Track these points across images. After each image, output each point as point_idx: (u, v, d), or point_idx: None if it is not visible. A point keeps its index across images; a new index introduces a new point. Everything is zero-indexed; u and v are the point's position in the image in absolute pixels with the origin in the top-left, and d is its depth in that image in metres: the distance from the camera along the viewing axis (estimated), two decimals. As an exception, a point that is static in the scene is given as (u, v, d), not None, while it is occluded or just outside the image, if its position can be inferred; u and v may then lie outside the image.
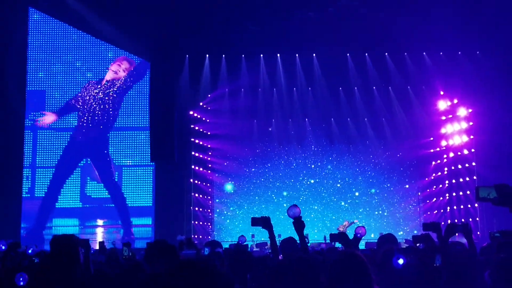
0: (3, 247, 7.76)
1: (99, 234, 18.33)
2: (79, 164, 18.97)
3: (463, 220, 18.90)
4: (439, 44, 17.38)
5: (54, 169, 18.75)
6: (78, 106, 19.06)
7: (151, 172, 19.13)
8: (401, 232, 18.91)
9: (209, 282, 1.37)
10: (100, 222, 18.87)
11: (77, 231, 18.11)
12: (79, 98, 19.12)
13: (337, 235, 4.47)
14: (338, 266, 2.58)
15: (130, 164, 19.20)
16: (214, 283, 1.38)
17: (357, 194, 20.75)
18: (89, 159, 18.99)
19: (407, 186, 20.74)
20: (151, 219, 18.98)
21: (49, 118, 18.98)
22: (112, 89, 19.22)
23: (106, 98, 19.19)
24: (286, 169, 20.92)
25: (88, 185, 19.00)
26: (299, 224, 4.06)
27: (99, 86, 19.25)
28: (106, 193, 18.94)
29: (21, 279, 3.15)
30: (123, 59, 19.43)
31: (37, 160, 18.78)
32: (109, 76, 19.33)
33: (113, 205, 18.84)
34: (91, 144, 18.86)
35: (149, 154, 18.27)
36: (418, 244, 5.53)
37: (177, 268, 1.38)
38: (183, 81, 18.28)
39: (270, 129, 20.12)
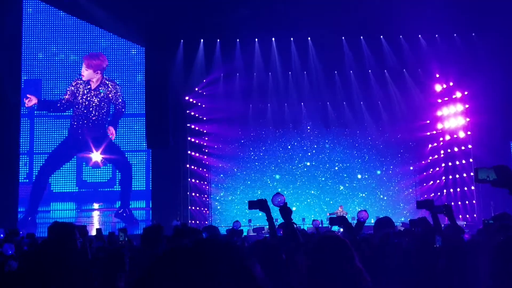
0: (1, 235, 7.77)
1: (95, 218, 18.80)
2: (74, 157, 19.17)
3: (455, 203, 19.01)
4: (435, 26, 17.29)
5: (47, 156, 18.89)
6: (75, 110, 19.16)
7: (144, 158, 19.30)
8: (403, 218, 18.79)
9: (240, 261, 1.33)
10: (96, 205, 19.24)
11: (74, 214, 18.56)
12: (70, 99, 19.12)
13: (337, 218, 4.45)
14: (320, 249, 2.54)
15: (125, 149, 19.38)
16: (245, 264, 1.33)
17: (359, 176, 20.80)
18: (89, 152, 19.09)
19: (411, 168, 20.78)
20: (145, 202, 19.27)
21: (32, 101, 18.93)
22: (104, 93, 19.21)
23: (102, 103, 19.25)
24: (282, 153, 20.92)
25: (84, 170, 19.24)
26: (286, 212, 4.06)
27: (88, 87, 19.19)
28: (102, 178, 19.22)
29: (6, 268, 3.14)
30: (84, 59, 19.32)
31: (34, 147, 18.91)
32: (89, 79, 19.29)
33: (108, 189, 19.20)
34: (90, 142, 18.99)
35: (143, 140, 18.40)
36: (413, 229, 5.52)
37: (199, 243, 1.34)
38: (178, 66, 18.16)
39: (260, 105, 19.96)
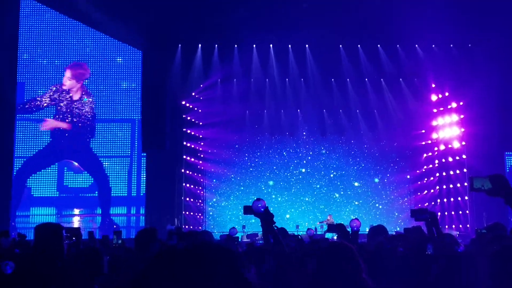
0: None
1: (76, 223, 18.50)
2: (55, 163, 19.01)
3: (449, 212, 19.03)
4: (432, 36, 17.39)
5: (25, 160, 18.69)
6: (56, 118, 19.05)
7: (127, 163, 19.26)
8: (398, 228, 18.71)
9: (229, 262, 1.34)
10: (76, 211, 19.12)
11: (54, 219, 18.31)
12: (45, 104, 19.01)
13: (335, 225, 4.45)
14: (326, 255, 2.59)
15: (108, 155, 19.33)
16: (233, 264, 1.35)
17: (356, 184, 20.80)
18: (74, 162, 19.02)
19: (408, 176, 20.78)
20: (126, 208, 19.21)
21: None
22: (85, 104, 19.17)
23: (85, 114, 19.15)
24: (277, 159, 20.90)
25: (65, 175, 19.14)
26: (267, 218, 3.90)
27: (69, 96, 19.08)
28: (83, 183, 19.13)
29: (7, 267, 3.09)
30: (68, 68, 19.26)
31: (16, 150, 18.54)
32: (70, 88, 19.21)
33: (89, 194, 19.08)
34: (74, 150, 18.92)
35: (127, 146, 18.40)
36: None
37: (195, 246, 1.37)
38: (175, 71, 18.16)
39: (256, 110, 19.93)
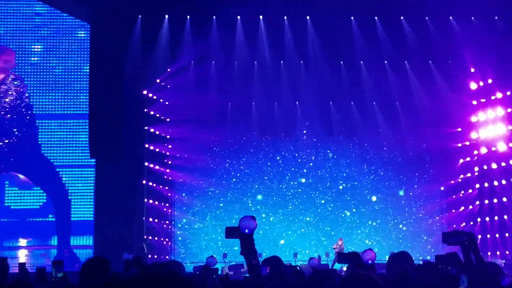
0: None
1: (22, 258, 18.06)
2: None
3: (492, 235, 19.20)
4: (470, 6, 17.53)
5: None
6: None
7: (93, 175, 18.98)
8: (429, 257, 18.73)
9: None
10: (23, 241, 18.74)
11: None
12: None
13: (347, 255, 4.52)
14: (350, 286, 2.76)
15: (67, 163, 19.16)
16: None
17: (374, 199, 20.88)
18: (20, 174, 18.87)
19: (442, 188, 20.89)
20: (92, 238, 18.88)
21: None
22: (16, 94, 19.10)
23: (19, 107, 19.10)
24: (269, 166, 20.95)
25: (7, 192, 18.81)
26: (249, 244, 4.00)
27: None
28: (32, 203, 18.82)
29: None
30: None
31: None
32: None
33: (40, 219, 18.71)
34: (19, 157, 18.77)
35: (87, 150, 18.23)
36: (440, 267, 5.61)
37: (143, 274, 1.40)
38: (134, 50, 18.10)
39: (242, 103, 19.96)
